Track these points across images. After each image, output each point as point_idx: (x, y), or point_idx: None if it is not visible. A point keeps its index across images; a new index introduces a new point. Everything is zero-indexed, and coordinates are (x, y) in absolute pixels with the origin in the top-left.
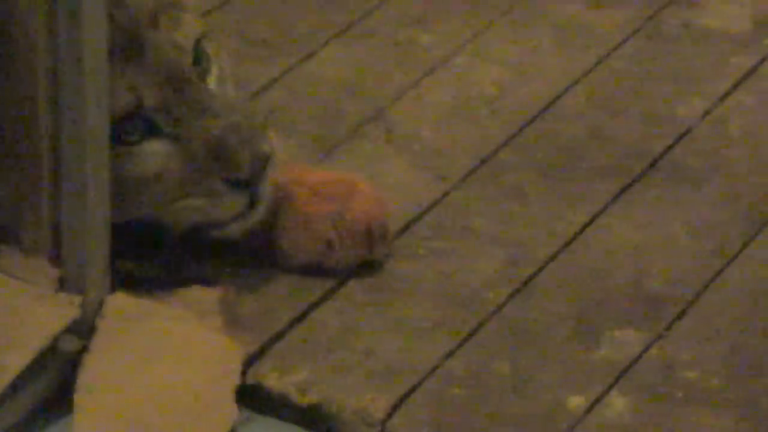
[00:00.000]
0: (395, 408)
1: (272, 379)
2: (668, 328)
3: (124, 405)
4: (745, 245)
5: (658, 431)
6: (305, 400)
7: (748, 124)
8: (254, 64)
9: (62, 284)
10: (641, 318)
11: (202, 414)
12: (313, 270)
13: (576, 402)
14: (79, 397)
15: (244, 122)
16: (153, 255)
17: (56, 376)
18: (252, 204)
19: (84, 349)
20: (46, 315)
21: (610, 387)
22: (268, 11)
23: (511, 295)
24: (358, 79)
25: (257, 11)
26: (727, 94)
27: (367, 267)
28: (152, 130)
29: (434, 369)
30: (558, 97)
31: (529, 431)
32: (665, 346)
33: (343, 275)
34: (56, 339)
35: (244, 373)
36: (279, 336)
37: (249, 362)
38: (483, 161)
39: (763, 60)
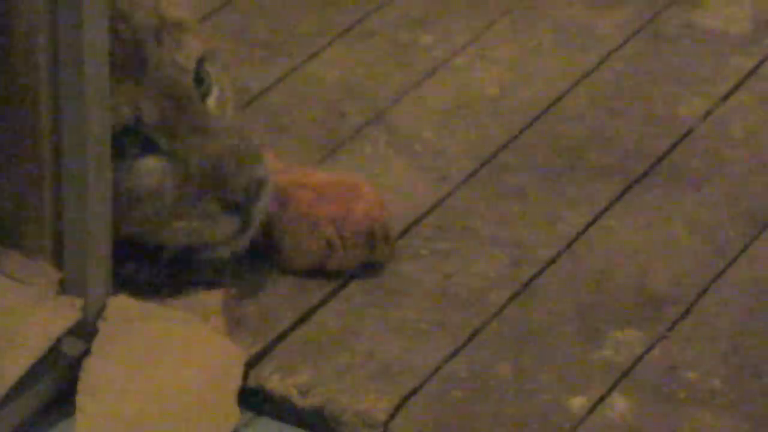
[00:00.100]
0: (397, 409)
1: (274, 381)
2: (670, 328)
3: (126, 407)
4: (746, 245)
5: (660, 431)
6: (307, 402)
7: (749, 124)
8: (255, 65)
9: (64, 286)
10: (643, 318)
11: (204, 416)
12: (315, 271)
13: (578, 402)
14: (81, 400)
15: (241, 145)
16: (154, 258)
17: (58, 378)
18: (244, 228)
19: (86, 352)
20: (48, 317)
21: (612, 387)
22: (269, 13)
23: (513, 296)
24: (359, 80)
25: (258, 13)
26: (727, 95)
27: (369, 268)
28: (150, 147)
29: (436, 370)
30: (559, 98)
31: None
32: (667, 346)
33: (344, 277)
34: (58, 341)
35: (245, 375)
36: (281, 338)
37: (251, 364)
38: (484, 162)
39: (763, 60)
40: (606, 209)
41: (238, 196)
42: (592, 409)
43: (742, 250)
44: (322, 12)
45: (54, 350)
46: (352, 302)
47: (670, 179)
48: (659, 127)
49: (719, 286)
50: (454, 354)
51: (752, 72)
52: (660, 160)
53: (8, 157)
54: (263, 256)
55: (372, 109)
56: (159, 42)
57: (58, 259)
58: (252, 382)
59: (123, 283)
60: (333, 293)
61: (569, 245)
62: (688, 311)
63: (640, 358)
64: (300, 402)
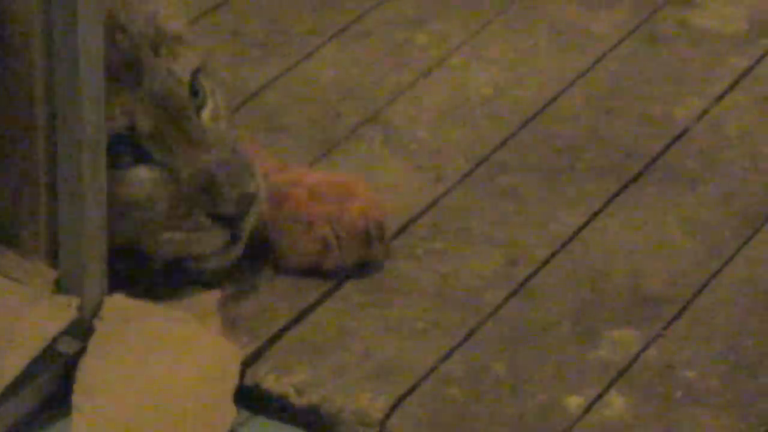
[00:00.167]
0: (393, 408)
1: (270, 380)
2: (666, 328)
3: (123, 406)
4: (741, 245)
5: (657, 431)
6: (303, 401)
7: (744, 124)
8: (251, 65)
9: (60, 286)
10: (639, 318)
11: (200, 415)
12: (311, 271)
13: (574, 402)
14: (77, 399)
15: (234, 160)
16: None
17: (54, 377)
18: (232, 241)
19: (82, 351)
20: (44, 317)
21: (609, 387)
22: (265, 12)
23: (509, 296)
24: (354, 80)
25: (254, 12)
26: (723, 95)
27: (365, 268)
28: (142, 157)
29: (432, 369)
30: (554, 98)
31: (527, 431)
32: (663, 345)
33: (340, 276)
34: (54, 340)
35: (242, 374)
36: (277, 337)
37: (247, 363)
38: (480, 162)
39: (759, 60)
40: (601, 209)
41: (228, 210)
42: (588, 409)
43: (738, 250)
44: (317, 12)
45: (50, 349)
46: (348, 301)
47: (666, 179)
48: (654, 127)
49: (715, 286)
50: (450, 353)
51: (747, 72)
52: (655, 159)
53: (3, 156)
54: (259, 255)
55: (367, 109)
56: (156, 53)
57: (53, 258)
58: (248, 381)
59: (119, 283)
60: (329, 293)
61: (565, 245)
62: (684, 310)
63: (636, 358)
64: (296, 401)
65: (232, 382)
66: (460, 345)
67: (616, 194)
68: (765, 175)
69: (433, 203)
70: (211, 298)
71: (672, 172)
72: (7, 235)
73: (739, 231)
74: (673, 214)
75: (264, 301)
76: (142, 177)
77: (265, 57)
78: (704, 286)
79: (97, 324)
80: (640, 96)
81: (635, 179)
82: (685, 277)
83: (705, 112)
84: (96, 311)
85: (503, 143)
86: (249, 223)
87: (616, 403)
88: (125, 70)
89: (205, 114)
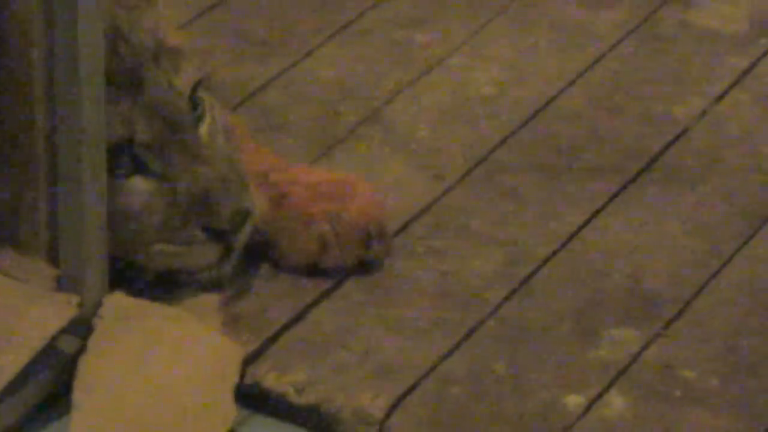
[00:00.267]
0: (393, 407)
1: (270, 379)
2: (666, 327)
3: (123, 405)
4: (742, 245)
5: (657, 430)
6: (303, 400)
7: (744, 123)
8: (251, 63)
9: (60, 284)
10: (639, 317)
11: (200, 413)
12: (311, 270)
13: (574, 401)
14: (77, 397)
15: (230, 175)
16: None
17: (54, 375)
18: (225, 256)
19: (82, 349)
20: (44, 315)
21: (609, 386)
22: (265, 11)
23: (509, 295)
24: (354, 78)
25: (254, 11)
26: (723, 94)
27: (365, 267)
28: (140, 167)
29: (432, 368)
30: (555, 97)
31: (527, 430)
32: (663, 345)
33: (340, 275)
34: (54, 339)
35: (242, 372)
36: (277, 336)
37: (247, 362)
38: (480, 161)
39: (759, 60)
40: (602, 208)
41: (223, 225)
42: (588, 408)
43: (738, 249)
44: (318, 10)
45: (50, 347)
46: (348, 300)
47: (666, 178)
48: (655, 127)
49: (715, 285)
50: (451, 352)
51: (748, 71)
52: (656, 159)
53: (3, 154)
54: (259, 253)
55: (368, 108)
56: (157, 64)
57: (53, 256)
58: (248, 380)
59: (119, 281)
60: (329, 291)
61: (565, 244)
62: (684, 310)
63: (636, 357)
64: (296, 400)
65: (232, 381)
66: (460, 344)
67: (617, 194)
68: (765, 175)
69: (434, 202)
70: (211, 297)
71: (672, 171)
72: (7, 234)
73: (739, 230)
74: (674, 213)
75: (264, 299)
76: (138, 187)
77: (265, 56)
78: (704, 285)
79: (97, 322)
80: (641, 95)
81: (635, 179)
82: (685, 277)
83: (705, 111)
84: (96, 309)
85: (503, 142)
86: (243, 238)
87: (616, 402)
88: (126, 80)
89: (203, 128)
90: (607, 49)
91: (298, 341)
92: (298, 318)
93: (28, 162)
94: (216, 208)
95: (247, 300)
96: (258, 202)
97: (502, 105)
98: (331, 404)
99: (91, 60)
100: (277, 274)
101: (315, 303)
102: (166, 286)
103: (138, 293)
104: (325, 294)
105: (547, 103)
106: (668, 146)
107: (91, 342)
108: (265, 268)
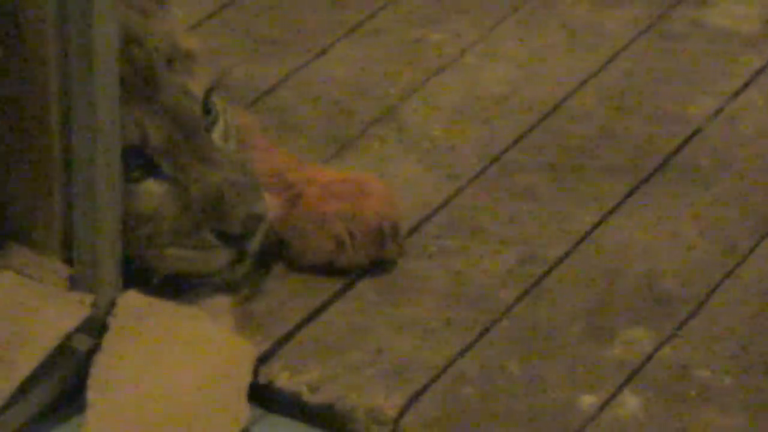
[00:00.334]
0: (407, 407)
1: (284, 379)
2: (680, 327)
3: (136, 403)
4: (755, 244)
5: (671, 430)
6: (317, 399)
7: (758, 122)
8: (264, 63)
9: (74, 283)
10: (652, 317)
11: (213, 413)
12: (324, 269)
13: (588, 401)
14: (91, 396)
15: (243, 179)
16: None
17: (68, 374)
18: (236, 261)
19: (96, 348)
20: (58, 314)
21: (622, 386)
22: (278, 10)
23: (522, 295)
24: (367, 78)
25: (266, 10)
26: (737, 93)
27: (378, 266)
28: (153, 171)
29: (446, 368)
30: (568, 97)
31: (540, 430)
32: (677, 345)
33: (354, 274)
34: (68, 337)
35: (255, 372)
36: (290, 335)
37: (260, 361)
38: (493, 160)
39: None
40: (615, 208)
41: (235, 230)
42: (602, 408)
43: (752, 249)
44: (330, 9)
45: (64, 346)
46: (361, 300)
47: (680, 178)
48: (668, 126)
49: (729, 285)
50: (464, 352)
51: (762, 70)
52: (669, 158)
53: (18, 154)
54: (272, 253)
55: (381, 107)
56: (171, 68)
57: (67, 255)
58: (262, 379)
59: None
60: (342, 291)
61: (578, 244)
62: (697, 310)
63: (650, 357)
64: (310, 399)
65: (245, 380)
66: (473, 344)
67: (630, 193)
68: None
69: (447, 202)
70: (224, 296)
71: (686, 170)
72: (21, 233)
73: (753, 230)
74: (687, 212)
75: (277, 299)
76: (150, 191)
77: (277, 55)
78: (718, 285)
79: (111, 321)
80: (654, 94)
81: (649, 178)
82: (699, 276)
83: (719, 110)
84: (110, 308)
85: (516, 142)
86: (256, 243)
87: (630, 402)
88: (140, 83)
89: (216, 132)
90: (620, 49)
91: (312, 341)
92: (311, 317)
93: (42, 161)
94: (228, 212)
95: (260, 299)
96: (271, 206)
97: (514, 104)
98: (344, 403)
99: (106, 59)
100: (291, 274)
101: (328, 302)
102: (179, 286)
103: (151, 293)
104: (338, 293)
105: (560, 103)
106: (681, 146)
107: (105, 341)
108: (278, 268)
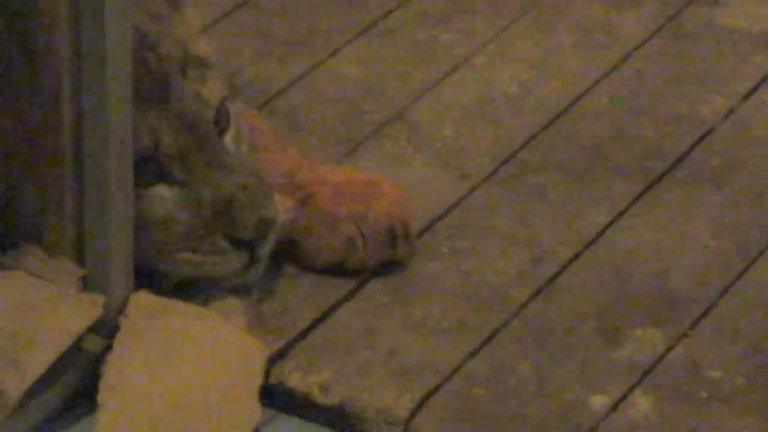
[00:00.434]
0: (418, 407)
1: (295, 379)
2: (691, 327)
3: (148, 404)
4: (767, 245)
5: (682, 431)
6: (328, 400)
7: None
8: (275, 63)
9: (85, 283)
10: (664, 318)
11: (225, 413)
12: (336, 270)
13: (599, 401)
14: (103, 396)
15: (254, 184)
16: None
17: (80, 375)
18: (248, 265)
19: (107, 348)
20: (69, 314)
21: (634, 386)
22: (289, 11)
23: (534, 295)
24: (379, 78)
25: (278, 11)
26: (749, 94)
27: (389, 266)
28: (164, 176)
29: (457, 369)
30: (580, 97)
31: (551, 431)
32: (688, 345)
33: (365, 275)
34: (79, 338)
35: (267, 372)
36: (302, 336)
37: (272, 362)
38: (505, 161)
39: None
40: (626, 208)
41: (246, 234)
42: (613, 408)
43: (764, 249)
44: (342, 10)
45: (75, 347)
46: (372, 300)
47: (691, 178)
48: (680, 126)
49: (740, 285)
50: (475, 352)
51: None
52: (681, 159)
53: (30, 154)
54: (284, 254)
55: (392, 107)
56: (184, 74)
57: (79, 256)
58: (273, 380)
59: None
60: (353, 291)
61: (590, 244)
62: (709, 310)
63: (661, 357)
64: (321, 399)
65: (256, 381)
66: (484, 344)
67: (642, 193)
68: None
69: (458, 202)
70: (235, 297)
71: (698, 171)
72: (33, 233)
73: (764, 230)
74: (699, 213)
75: (288, 299)
76: (162, 196)
77: (289, 55)
78: (730, 285)
79: (123, 321)
80: (666, 95)
81: (660, 178)
82: (710, 277)
83: (731, 111)
84: (121, 309)
85: (528, 142)
86: (268, 247)
87: (641, 402)
88: (153, 89)
89: (228, 137)
90: (632, 49)
91: (323, 341)
92: (322, 318)
93: (54, 161)
94: (240, 217)
95: (271, 300)
96: (282, 208)
97: (526, 104)
98: (356, 404)
99: (118, 60)
100: (302, 274)
101: (339, 303)
102: (190, 289)
103: (163, 293)
104: (350, 294)
105: (572, 103)
106: (693, 146)
107: (117, 341)
108: (289, 269)
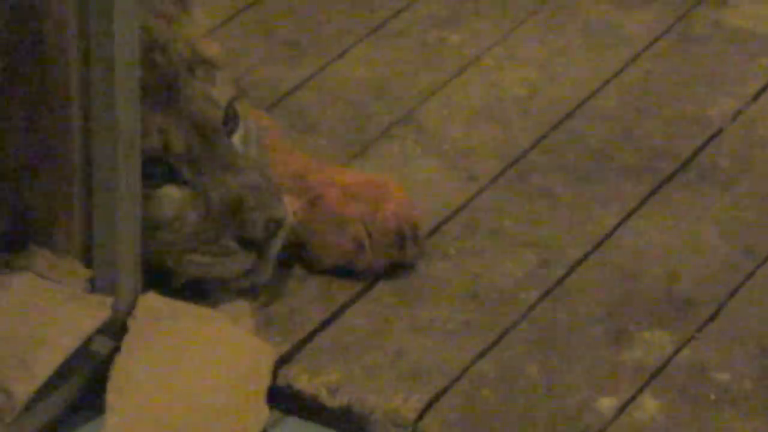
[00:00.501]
0: (426, 409)
1: (303, 381)
2: (699, 329)
3: (156, 405)
4: None
5: None
6: (336, 402)
7: None
8: (283, 65)
9: (94, 285)
10: (672, 319)
11: (232, 415)
12: (344, 271)
13: (607, 403)
14: (111, 397)
15: (263, 184)
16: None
17: (88, 376)
18: (257, 266)
19: (115, 350)
20: (78, 316)
21: (642, 389)
22: (297, 12)
23: (542, 297)
24: (387, 79)
25: (286, 12)
26: (757, 95)
27: (397, 268)
28: (173, 176)
29: (465, 370)
30: (588, 98)
31: None
32: (696, 347)
33: (373, 276)
34: (88, 339)
35: (274, 374)
36: (309, 337)
37: (279, 363)
38: (512, 162)
39: None
40: (635, 209)
41: (255, 235)
42: (621, 410)
43: None
44: (349, 11)
45: (84, 348)
46: (380, 302)
47: (699, 179)
48: (688, 127)
49: (749, 287)
50: (483, 354)
51: None
52: (689, 160)
53: (39, 156)
54: (292, 255)
55: (400, 109)
56: (193, 75)
57: (88, 257)
58: (281, 382)
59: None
60: (361, 293)
61: (598, 245)
62: (717, 312)
63: (669, 359)
64: (329, 401)
65: (264, 383)
66: (492, 346)
67: (650, 195)
68: None
69: (466, 203)
70: (244, 298)
71: (706, 172)
72: (42, 235)
73: None
74: (707, 214)
75: (296, 301)
76: (171, 196)
77: (297, 57)
78: (738, 287)
79: (131, 323)
80: (674, 96)
81: (669, 180)
82: (718, 279)
83: (739, 112)
84: (130, 310)
85: (536, 143)
86: (276, 248)
87: (649, 404)
88: (161, 89)
89: (237, 138)
90: (640, 50)
91: (331, 343)
92: (330, 320)
93: (63, 164)
94: (248, 218)
95: (279, 302)
96: (290, 210)
97: (534, 106)
98: (363, 406)
99: (127, 61)
100: (310, 276)
101: (347, 304)
102: (199, 289)
103: (171, 295)
104: (358, 296)
105: (580, 104)
106: (701, 147)
107: (125, 343)
108: (297, 270)
